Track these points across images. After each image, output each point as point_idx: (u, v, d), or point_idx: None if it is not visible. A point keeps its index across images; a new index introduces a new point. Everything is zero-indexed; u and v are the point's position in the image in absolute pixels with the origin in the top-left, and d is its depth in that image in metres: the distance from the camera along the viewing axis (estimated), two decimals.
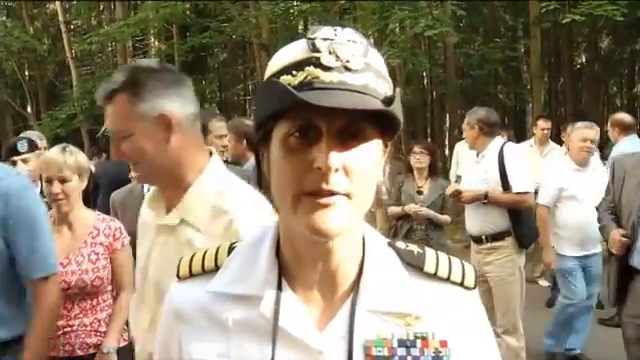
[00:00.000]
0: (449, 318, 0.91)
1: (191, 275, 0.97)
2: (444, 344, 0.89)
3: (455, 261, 0.96)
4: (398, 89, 0.85)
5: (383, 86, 0.83)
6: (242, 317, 0.90)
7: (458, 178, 6.56)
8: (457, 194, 4.49)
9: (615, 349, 4.21)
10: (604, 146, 6.97)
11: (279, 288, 0.89)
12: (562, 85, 20.01)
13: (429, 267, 0.94)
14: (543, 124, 7.21)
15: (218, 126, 3.60)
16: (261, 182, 0.96)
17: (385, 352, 0.88)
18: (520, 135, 12.37)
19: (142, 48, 20.61)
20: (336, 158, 0.79)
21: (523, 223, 4.29)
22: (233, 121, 4.23)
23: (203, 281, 0.95)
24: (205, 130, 3.30)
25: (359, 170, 0.82)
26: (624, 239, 3.13)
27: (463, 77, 16.89)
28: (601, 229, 3.48)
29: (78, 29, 23.16)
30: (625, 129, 5.80)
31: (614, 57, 21.24)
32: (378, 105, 0.80)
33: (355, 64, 0.80)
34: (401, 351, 0.88)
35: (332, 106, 0.76)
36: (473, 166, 4.61)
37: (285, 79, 0.81)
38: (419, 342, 0.89)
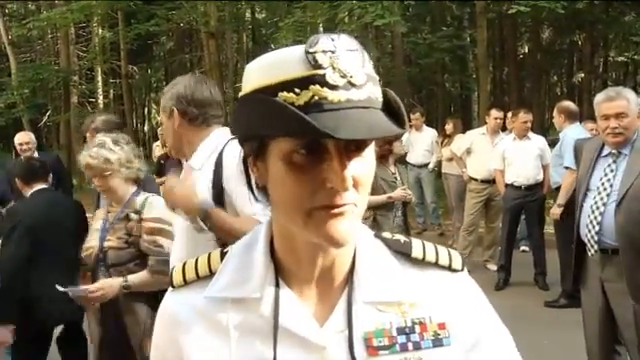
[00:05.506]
0: (443, 301, 0.92)
1: (185, 283, 0.96)
2: (442, 326, 0.90)
3: (441, 248, 0.98)
4: (390, 91, 0.83)
5: (378, 91, 0.82)
6: (242, 320, 0.90)
7: None
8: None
9: (563, 330, 4.38)
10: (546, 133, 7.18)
11: (276, 287, 0.89)
12: (506, 74, 20.46)
13: (417, 253, 0.95)
14: (496, 113, 7.29)
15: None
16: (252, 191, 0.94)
17: (386, 342, 0.88)
18: (466, 123, 12.57)
19: (85, 35, 20.00)
20: (349, 176, 0.78)
21: None
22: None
23: (198, 287, 0.94)
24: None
25: (365, 180, 0.82)
26: None
27: (411, 65, 17.00)
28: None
29: (14, 14, 22.27)
30: (571, 116, 6.03)
31: (555, 47, 21.83)
32: (391, 126, 0.79)
33: (359, 79, 0.78)
34: (401, 338, 0.89)
35: (353, 138, 0.75)
36: None
37: (286, 97, 0.77)
38: (417, 327, 0.89)
